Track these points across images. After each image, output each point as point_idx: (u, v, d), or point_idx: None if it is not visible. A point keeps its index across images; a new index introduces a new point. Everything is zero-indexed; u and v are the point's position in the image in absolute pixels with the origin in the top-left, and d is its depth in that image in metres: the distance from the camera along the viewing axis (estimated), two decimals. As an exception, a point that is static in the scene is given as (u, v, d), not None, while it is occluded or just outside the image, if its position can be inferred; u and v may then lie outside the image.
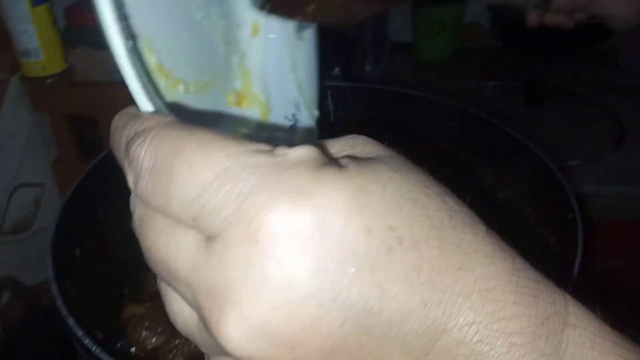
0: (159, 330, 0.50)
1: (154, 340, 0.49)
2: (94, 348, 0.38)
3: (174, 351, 0.48)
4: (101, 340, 0.51)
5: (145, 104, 0.23)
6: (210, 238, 0.17)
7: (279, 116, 0.36)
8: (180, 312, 0.20)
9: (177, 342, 0.48)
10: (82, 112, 0.86)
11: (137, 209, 0.20)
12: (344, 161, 0.18)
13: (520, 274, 0.19)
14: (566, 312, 0.19)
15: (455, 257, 0.18)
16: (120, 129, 0.22)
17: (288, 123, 0.37)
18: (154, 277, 0.60)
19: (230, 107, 0.33)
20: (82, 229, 0.54)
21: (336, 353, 0.17)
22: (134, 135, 0.20)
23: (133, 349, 0.50)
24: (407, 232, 0.17)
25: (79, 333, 0.39)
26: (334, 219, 0.16)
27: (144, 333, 0.50)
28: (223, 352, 0.17)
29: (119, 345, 0.51)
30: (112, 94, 0.86)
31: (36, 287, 0.78)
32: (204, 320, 0.17)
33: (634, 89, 1.23)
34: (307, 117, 0.37)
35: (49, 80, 0.81)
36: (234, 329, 0.16)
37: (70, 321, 0.40)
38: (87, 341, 0.38)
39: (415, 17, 1.25)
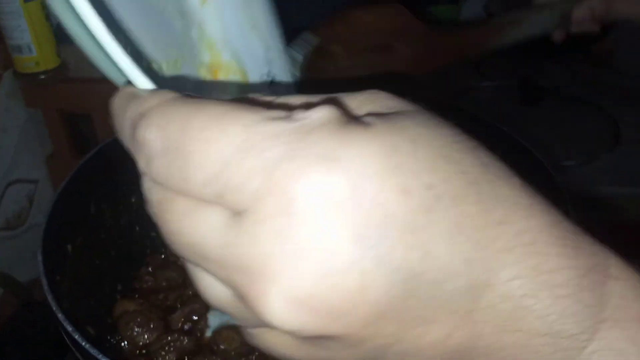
0: (152, 326, 0.50)
1: (146, 336, 0.49)
2: (84, 343, 0.37)
3: (167, 347, 0.47)
4: (93, 336, 0.51)
5: (143, 81, 0.21)
6: (238, 213, 0.17)
7: (256, 77, 0.35)
8: (211, 289, 0.19)
9: (169, 338, 0.48)
10: (76, 108, 0.86)
11: (153, 193, 0.19)
12: (368, 119, 0.17)
13: (560, 226, 0.18)
14: (607, 264, 0.19)
15: (494, 212, 0.17)
16: (122, 111, 0.21)
17: (267, 79, 0.36)
18: (147, 273, 0.60)
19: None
20: (74, 225, 0.54)
21: (382, 319, 0.16)
22: (138, 116, 0.19)
23: (125, 345, 0.50)
24: (445, 190, 0.17)
25: (69, 328, 0.38)
26: (368, 182, 0.16)
27: (136, 329, 0.49)
28: (262, 324, 0.17)
29: (111, 341, 0.51)
30: (105, 90, 0.86)
31: (30, 283, 0.78)
32: (241, 297, 0.17)
33: (630, 90, 1.24)
34: (282, 71, 0.37)
35: (42, 76, 0.81)
36: (276, 303, 0.16)
37: (61, 316, 0.39)
38: (77, 336, 0.38)
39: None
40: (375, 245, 0.16)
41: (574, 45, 1.22)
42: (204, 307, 0.53)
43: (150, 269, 0.59)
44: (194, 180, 0.17)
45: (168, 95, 0.19)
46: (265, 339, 0.19)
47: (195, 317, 0.51)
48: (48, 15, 0.78)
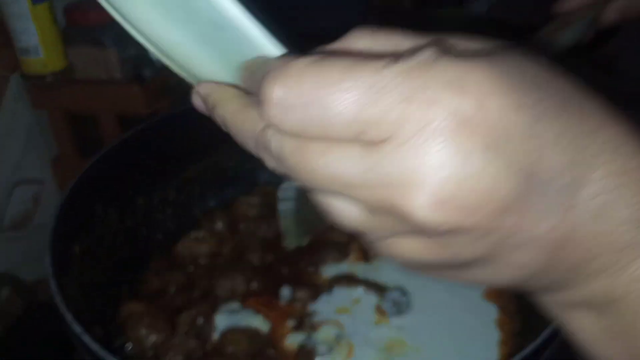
0: (159, 328, 0.50)
1: (153, 338, 0.49)
2: (92, 345, 0.37)
3: (174, 350, 0.48)
4: (100, 336, 0.51)
5: (273, 47, 0.23)
6: (374, 144, 0.20)
7: None
8: (346, 212, 0.22)
9: (176, 340, 0.48)
10: (82, 110, 0.86)
11: (286, 145, 0.21)
12: (477, 51, 0.21)
13: (636, 134, 0.22)
14: None
15: (588, 123, 0.21)
16: (252, 76, 0.24)
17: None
18: (153, 275, 0.59)
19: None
20: (81, 226, 0.54)
21: (507, 212, 0.20)
22: (271, 78, 0.21)
23: (131, 346, 0.50)
24: (551, 104, 0.20)
25: (78, 330, 0.39)
26: (492, 101, 0.19)
27: (143, 331, 0.50)
28: (406, 229, 0.20)
29: (117, 342, 0.51)
30: (111, 93, 0.86)
31: (35, 283, 0.78)
32: (388, 209, 0.20)
33: (633, 95, 1.24)
34: None
35: (49, 78, 0.81)
36: (424, 205, 0.19)
37: (69, 317, 0.39)
38: (85, 338, 0.38)
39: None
40: (502, 152, 0.19)
41: (577, 49, 1.22)
42: (211, 309, 0.53)
43: (156, 271, 0.59)
44: (335, 124, 0.20)
45: (295, 57, 0.21)
46: (398, 246, 0.22)
47: (202, 320, 0.51)
48: (55, 17, 0.79)
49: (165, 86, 0.91)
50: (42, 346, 0.67)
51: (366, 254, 0.60)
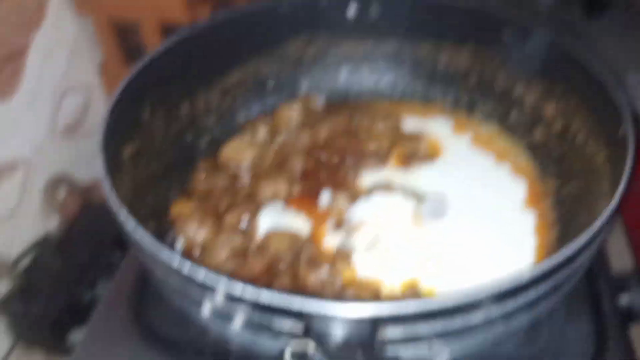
0: (207, 225, 0.53)
1: (202, 234, 0.52)
2: (145, 238, 0.40)
3: (220, 245, 0.50)
4: (153, 231, 0.54)
5: None
6: None
7: None
8: None
9: (223, 237, 0.51)
10: (124, 16, 0.86)
11: None
12: None
13: None
14: None
15: None
16: None
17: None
18: (200, 174, 0.61)
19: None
20: (129, 130, 0.55)
21: None
22: None
23: (182, 242, 0.53)
24: None
25: (131, 225, 0.41)
26: None
27: (192, 228, 0.52)
28: None
29: (170, 239, 0.54)
30: (153, -1, 0.86)
31: (89, 185, 0.82)
32: None
33: None
34: None
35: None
36: None
37: (123, 213, 0.42)
38: (138, 232, 0.40)
39: None
40: None
41: None
42: (255, 210, 0.56)
43: (204, 171, 0.61)
44: None
45: None
46: None
47: (247, 219, 0.54)
48: None
49: (206, -9, 0.90)
50: (98, 245, 0.71)
51: (406, 159, 0.61)
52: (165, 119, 0.61)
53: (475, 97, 0.68)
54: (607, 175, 0.49)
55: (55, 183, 0.72)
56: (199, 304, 0.40)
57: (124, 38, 0.91)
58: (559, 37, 0.56)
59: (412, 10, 0.66)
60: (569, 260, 0.39)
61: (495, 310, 0.39)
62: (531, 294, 0.39)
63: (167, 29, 0.86)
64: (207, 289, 0.38)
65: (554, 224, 0.55)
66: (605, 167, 0.50)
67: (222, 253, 0.50)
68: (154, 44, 0.87)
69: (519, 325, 0.45)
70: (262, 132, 0.66)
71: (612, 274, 0.64)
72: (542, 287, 0.39)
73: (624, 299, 0.59)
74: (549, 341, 0.54)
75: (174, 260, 0.38)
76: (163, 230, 0.56)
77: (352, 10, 0.68)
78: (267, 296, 0.36)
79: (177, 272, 0.38)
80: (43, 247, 0.69)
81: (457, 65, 0.68)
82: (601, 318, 0.57)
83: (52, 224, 0.69)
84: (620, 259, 0.71)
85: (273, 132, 0.66)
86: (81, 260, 0.66)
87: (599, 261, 0.62)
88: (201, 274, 0.37)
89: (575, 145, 0.56)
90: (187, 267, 0.38)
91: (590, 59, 0.53)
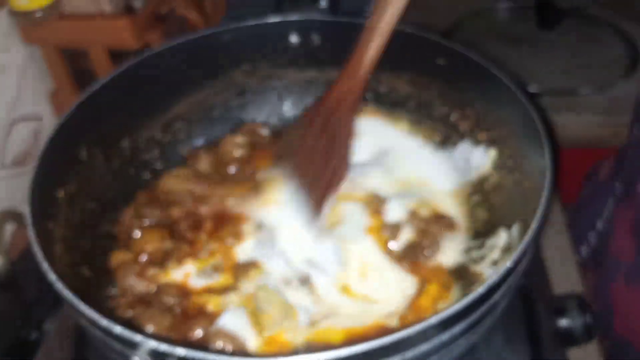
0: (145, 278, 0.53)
1: (140, 287, 0.52)
2: (64, 292, 0.40)
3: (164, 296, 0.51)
4: (89, 277, 0.54)
5: None
6: None
7: None
8: None
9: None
10: (72, 44, 0.86)
11: None
12: None
13: None
14: None
15: None
16: None
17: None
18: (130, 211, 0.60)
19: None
20: (64, 171, 0.55)
21: None
22: None
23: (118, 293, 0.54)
24: None
25: (52, 277, 0.41)
26: None
27: (129, 280, 0.53)
28: None
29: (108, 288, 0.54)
30: (100, 26, 0.85)
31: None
32: None
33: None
34: None
35: (38, 14, 0.80)
36: None
37: (45, 266, 0.42)
38: (58, 285, 0.40)
39: None
40: None
41: None
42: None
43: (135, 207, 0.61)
44: None
45: None
46: None
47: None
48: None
49: (155, 16, 0.89)
50: (46, 282, 0.70)
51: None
52: (104, 156, 0.61)
53: (416, 122, 0.69)
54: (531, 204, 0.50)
55: (3, 218, 0.71)
56: (124, 357, 0.40)
57: (74, 64, 0.91)
58: (488, 64, 0.57)
59: (350, 37, 0.67)
60: (482, 299, 0.40)
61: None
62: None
63: (117, 54, 0.86)
64: (127, 344, 0.38)
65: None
66: (529, 195, 0.51)
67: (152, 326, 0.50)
68: (104, 70, 0.87)
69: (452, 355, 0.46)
70: (204, 163, 0.66)
71: (551, 296, 0.65)
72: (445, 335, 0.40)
73: (563, 323, 0.60)
74: (487, 367, 0.56)
75: (91, 313, 0.38)
76: (101, 276, 0.56)
77: (294, 39, 0.69)
78: (183, 352, 0.36)
79: (96, 325, 0.39)
80: (-14, 286, 0.69)
81: (397, 91, 0.69)
82: (539, 342, 0.58)
83: (-1, 260, 0.69)
84: (567, 280, 0.72)
85: (216, 164, 0.66)
86: (28, 297, 0.66)
87: (538, 284, 0.63)
88: (117, 329, 0.37)
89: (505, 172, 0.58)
90: (103, 321, 0.38)
91: (518, 89, 0.54)
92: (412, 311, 0.53)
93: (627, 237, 0.72)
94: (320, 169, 0.58)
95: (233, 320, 0.50)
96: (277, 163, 0.64)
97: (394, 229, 0.58)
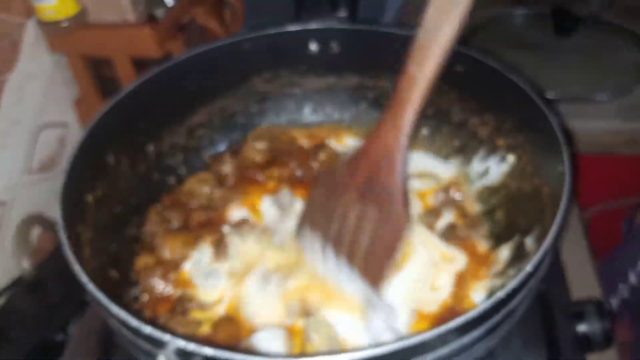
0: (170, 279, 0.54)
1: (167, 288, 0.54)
2: (96, 294, 0.41)
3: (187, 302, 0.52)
4: (117, 279, 0.55)
5: None
6: None
7: None
8: None
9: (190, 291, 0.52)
10: (96, 52, 0.88)
11: None
12: None
13: None
14: None
15: None
16: None
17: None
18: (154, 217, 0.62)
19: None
20: (93, 177, 0.57)
21: None
22: None
23: (146, 296, 0.55)
24: None
25: (84, 279, 0.43)
26: None
27: (156, 283, 0.54)
28: None
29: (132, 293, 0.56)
30: (123, 35, 0.87)
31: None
32: None
33: None
34: None
35: (64, 23, 0.82)
36: None
37: (77, 269, 0.43)
38: (90, 287, 0.42)
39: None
40: None
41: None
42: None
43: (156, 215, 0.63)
44: None
45: None
46: None
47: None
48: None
49: (177, 26, 0.92)
50: (71, 284, 0.72)
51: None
52: (130, 162, 0.63)
53: (433, 130, 0.70)
54: (549, 210, 0.50)
55: (29, 222, 0.73)
56: (151, 356, 0.41)
57: (98, 72, 0.93)
58: (506, 70, 0.58)
59: (368, 44, 0.68)
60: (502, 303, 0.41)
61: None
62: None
63: (140, 63, 0.88)
64: (155, 343, 0.39)
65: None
66: (548, 200, 0.52)
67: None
68: (128, 78, 0.89)
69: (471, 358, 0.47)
70: (226, 167, 0.67)
71: (570, 301, 0.65)
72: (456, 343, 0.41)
73: (582, 328, 0.61)
74: (505, 372, 0.56)
75: (122, 314, 0.40)
76: (127, 278, 0.57)
77: (313, 47, 0.70)
78: (211, 351, 0.37)
79: (126, 325, 0.40)
80: (16, 288, 0.71)
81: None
82: (556, 347, 0.58)
83: (25, 264, 0.71)
84: (585, 285, 0.72)
85: (239, 168, 0.68)
86: (54, 300, 0.68)
87: (556, 289, 0.64)
88: (147, 329, 0.38)
89: (524, 178, 0.58)
90: (134, 321, 0.39)
91: (536, 95, 0.55)
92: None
93: None
94: (371, 242, 0.52)
95: (268, 340, 0.50)
96: (307, 231, 0.56)
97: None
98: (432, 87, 0.67)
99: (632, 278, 0.79)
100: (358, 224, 0.52)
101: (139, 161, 0.64)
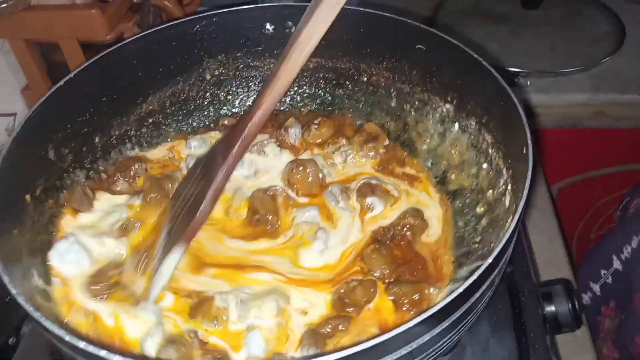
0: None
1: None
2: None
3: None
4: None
5: None
6: None
7: None
8: None
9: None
10: (42, 36, 0.83)
11: None
12: None
13: None
14: None
15: None
16: None
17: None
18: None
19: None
20: (32, 174, 0.53)
21: None
22: None
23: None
24: None
25: (13, 292, 0.39)
26: None
27: None
28: None
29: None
30: (70, 18, 0.82)
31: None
32: None
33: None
34: None
35: (4, 5, 0.77)
36: None
37: (6, 280, 0.40)
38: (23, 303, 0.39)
39: None
40: None
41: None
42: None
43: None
44: None
45: None
46: None
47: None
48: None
49: (129, 6, 0.87)
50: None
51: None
52: (74, 156, 0.59)
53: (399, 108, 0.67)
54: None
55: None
56: None
57: (48, 57, 0.88)
58: (465, 47, 0.55)
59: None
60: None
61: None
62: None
63: (91, 46, 0.83)
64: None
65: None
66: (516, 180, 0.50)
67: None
68: (77, 63, 0.84)
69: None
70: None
71: (537, 282, 0.64)
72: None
73: (550, 309, 0.60)
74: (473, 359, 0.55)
75: (56, 331, 0.37)
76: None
77: (268, 27, 0.66)
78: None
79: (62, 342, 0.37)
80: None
81: (377, 79, 0.67)
82: (524, 332, 0.57)
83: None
84: (554, 265, 0.71)
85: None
86: (4, 302, 0.64)
87: (523, 271, 0.62)
88: (82, 344, 0.36)
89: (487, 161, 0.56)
90: (67, 337, 0.36)
91: (498, 74, 0.52)
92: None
93: None
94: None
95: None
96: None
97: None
98: (394, 66, 0.65)
99: (617, 264, 0.78)
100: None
101: (85, 154, 0.60)
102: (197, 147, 0.66)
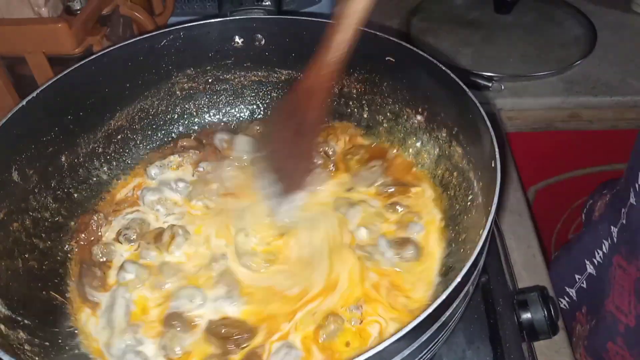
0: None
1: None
2: None
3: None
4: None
5: None
6: None
7: None
8: None
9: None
10: (7, 50, 0.81)
11: None
12: None
13: None
14: None
15: None
16: None
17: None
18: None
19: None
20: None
21: None
22: None
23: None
24: None
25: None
26: None
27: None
28: None
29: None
30: (37, 32, 0.81)
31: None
32: None
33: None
34: None
35: (-32, 20, 0.75)
36: None
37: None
38: None
39: None
40: None
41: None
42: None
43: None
44: None
45: None
46: None
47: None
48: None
49: (97, 18, 0.85)
50: None
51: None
52: (39, 176, 0.57)
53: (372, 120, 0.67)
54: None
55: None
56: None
57: (15, 72, 0.86)
58: (433, 59, 0.55)
59: (295, 36, 0.64)
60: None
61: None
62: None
63: (60, 60, 0.82)
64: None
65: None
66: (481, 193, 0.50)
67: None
68: (44, 78, 0.82)
69: None
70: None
71: (513, 290, 0.64)
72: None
73: (526, 316, 0.59)
74: (449, 370, 0.54)
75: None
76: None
77: (238, 40, 0.66)
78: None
79: None
80: None
81: (349, 90, 0.66)
82: (500, 341, 0.57)
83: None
84: (530, 272, 0.71)
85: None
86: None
87: (499, 279, 0.62)
88: None
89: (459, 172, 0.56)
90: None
91: (465, 87, 0.52)
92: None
93: (626, 297, 0.70)
94: (291, 165, 0.58)
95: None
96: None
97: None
98: (365, 78, 0.65)
99: (590, 268, 0.79)
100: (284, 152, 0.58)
101: (51, 174, 0.58)
102: (157, 174, 0.65)
